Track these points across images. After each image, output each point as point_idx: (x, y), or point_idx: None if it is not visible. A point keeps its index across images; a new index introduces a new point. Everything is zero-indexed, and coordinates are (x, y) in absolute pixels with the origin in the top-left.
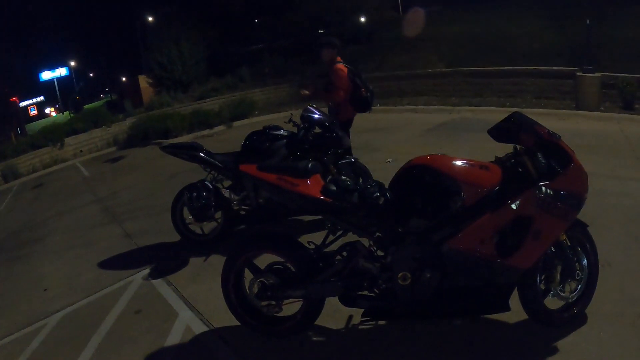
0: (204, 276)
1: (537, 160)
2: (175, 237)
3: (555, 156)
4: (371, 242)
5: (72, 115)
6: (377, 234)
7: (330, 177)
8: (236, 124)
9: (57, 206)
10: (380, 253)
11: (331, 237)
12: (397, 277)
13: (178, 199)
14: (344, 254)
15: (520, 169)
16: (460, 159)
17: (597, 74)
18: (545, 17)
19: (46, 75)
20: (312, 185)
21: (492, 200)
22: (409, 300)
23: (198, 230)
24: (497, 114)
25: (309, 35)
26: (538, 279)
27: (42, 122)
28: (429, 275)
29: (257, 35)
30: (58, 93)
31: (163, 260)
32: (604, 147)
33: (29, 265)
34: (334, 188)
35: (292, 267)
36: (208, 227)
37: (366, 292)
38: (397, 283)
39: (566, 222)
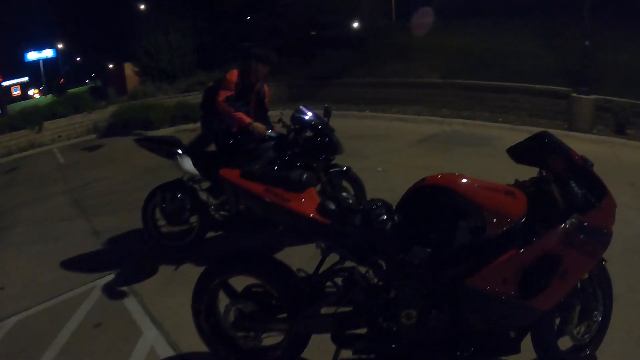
0: (174, 287)
1: (572, 190)
2: (145, 239)
3: (588, 186)
4: (371, 272)
5: (54, 98)
6: (380, 262)
7: (319, 185)
8: None
9: (26, 194)
10: (376, 281)
11: (325, 265)
12: (400, 316)
13: (150, 199)
14: (339, 281)
15: (545, 198)
16: (483, 182)
17: (591, 96)
18: (542, 36)
19: (32, 55)
20: (307, 202)
21: (519, 233)
22: (411, 341)
23: (171, 235)
24: (490, 129)
25: (301, 36)
26: (555, 320)
27: (24, 103)
28: (438, 315)
29: (248, 32)
30: (43, 75)
31: (130, 265)
32: (598, 171)
33: None
34: (333, 207)
35: (274, 292)
36: (182, 231)
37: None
38: (400, 322)
39: (594, 260)
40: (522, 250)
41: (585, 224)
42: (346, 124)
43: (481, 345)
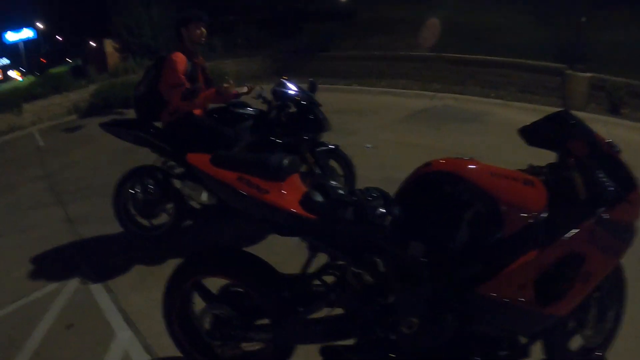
0: (150, 282)
1: (599, 181)
2: (120, 228)
3: (616, 176)
4: (366, 274)
5: (35, 78)
6: (377, 261)
7: (304, 165)
8: None
9: (2, 180)
10: (372, 284)
11: (313, 266)
12: (400, 324)
13: (121, 186)
14: (329, 282)
15: (566, 188)
16: (497, 168)
17: (587, 74)
18: (535, 12)
19: (11, 36)
20: (289, 193)
21: (540, 231)
22: (411, 351)
23: (146, 223)
24: (482, 105)
25: (286, 8)
26: (569, 322)
27: (5, 86)
28: (443, 324)
29: (232, 5)
30: (24, 56)
31: (104, 258)
32: None
33: None
34: (321, 199)
35: (255, 295)
36: (158, 220)
37: (353, 340)
38: (399, 331)
39: (617, 259)
40: (543, 251)
41: (612, 219)
42: (332, 98)
43: (488, 352)
